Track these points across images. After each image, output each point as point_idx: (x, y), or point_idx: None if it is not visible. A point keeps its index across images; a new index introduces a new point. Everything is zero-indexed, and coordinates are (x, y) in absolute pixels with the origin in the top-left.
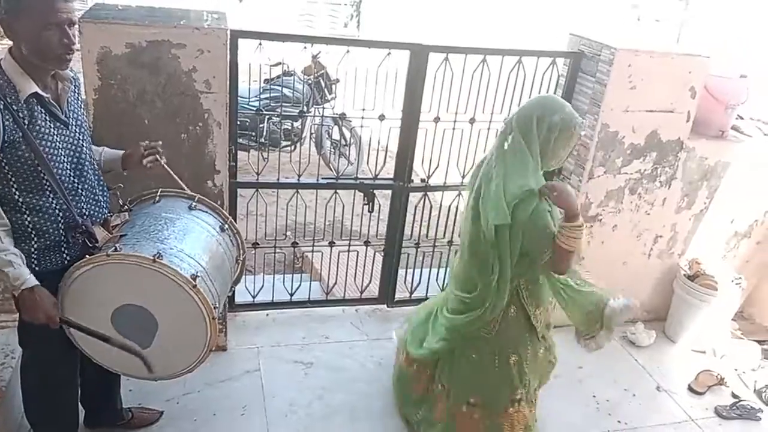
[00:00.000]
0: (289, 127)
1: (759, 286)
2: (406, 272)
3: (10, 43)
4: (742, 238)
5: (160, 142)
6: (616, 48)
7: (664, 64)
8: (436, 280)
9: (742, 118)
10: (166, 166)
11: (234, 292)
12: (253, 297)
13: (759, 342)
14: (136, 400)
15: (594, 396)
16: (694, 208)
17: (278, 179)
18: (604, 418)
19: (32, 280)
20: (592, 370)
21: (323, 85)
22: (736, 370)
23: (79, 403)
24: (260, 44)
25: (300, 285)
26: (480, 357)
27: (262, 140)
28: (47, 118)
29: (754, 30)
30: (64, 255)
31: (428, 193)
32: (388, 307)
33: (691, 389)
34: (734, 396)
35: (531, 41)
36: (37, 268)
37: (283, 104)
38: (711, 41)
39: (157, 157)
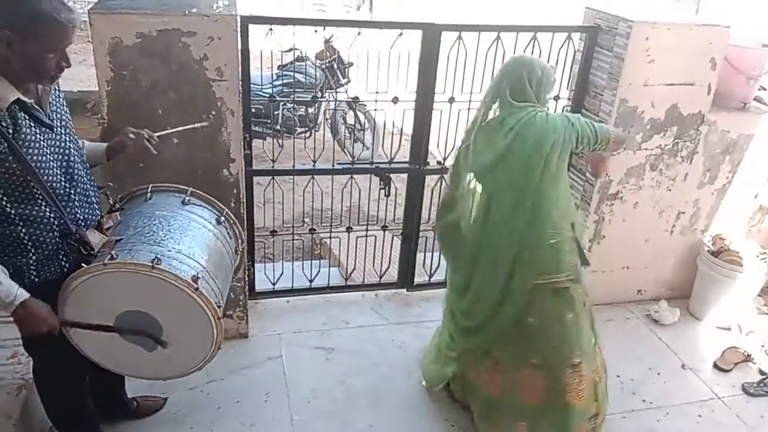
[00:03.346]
0: (304, 113)
1: None
2: (425, 256)
3: None
4: (766, 213)
5: (146, 130)
6: (634, 21)
7: (683, 36)
8: None
9: (765, 89)
10: (166, 129)
11: (254, 279)
12: (273, 284)
13: None
14: (159, 389)
15: (618, 375)
16: (716, 182)
17: (294, 166)
18: (628, 397)
19: (22, 295)
20: (616, 350)
21: (336, 68)
22: (762, 346)
23: None
24: (271, 29)
25: (319, 271)
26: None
27: (277, 127)
28: (32, 124)
29: None
30: (63, 263)
31: (444, 175)
32: (407, 291)
33: (716, 367)
34: (762, 373)
35: (546, 16)
36: (36, 279)
37: (297, 90)
38: (731, 10)
39: (149, 145)
